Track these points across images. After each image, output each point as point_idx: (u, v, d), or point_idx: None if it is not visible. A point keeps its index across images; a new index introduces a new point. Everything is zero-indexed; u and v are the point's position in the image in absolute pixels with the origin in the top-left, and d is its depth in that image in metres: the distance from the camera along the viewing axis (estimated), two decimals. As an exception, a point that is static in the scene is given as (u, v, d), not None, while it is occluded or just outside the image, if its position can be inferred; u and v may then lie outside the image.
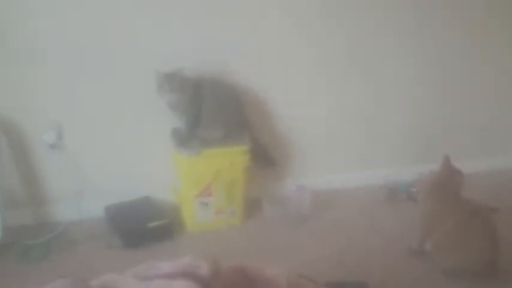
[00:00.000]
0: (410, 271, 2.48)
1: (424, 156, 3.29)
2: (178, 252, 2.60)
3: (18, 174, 2.86)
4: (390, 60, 3.21)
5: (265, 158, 3.04)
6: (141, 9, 2.78)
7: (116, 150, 2.93)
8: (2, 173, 2.64)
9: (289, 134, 3.18)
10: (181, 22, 2.84)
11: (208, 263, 2.06)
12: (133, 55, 2.81)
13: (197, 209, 2.84)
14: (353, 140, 3.31)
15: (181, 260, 2.11)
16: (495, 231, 2.34)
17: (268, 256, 2.61)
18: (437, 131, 3.43)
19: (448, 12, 3.20)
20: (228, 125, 2.80)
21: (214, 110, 2.76)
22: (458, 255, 2.36)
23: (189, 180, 2.80)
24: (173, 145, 2.79)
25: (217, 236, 2.83)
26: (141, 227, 2.75)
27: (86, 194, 2.91)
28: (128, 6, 2.76)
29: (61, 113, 2.83)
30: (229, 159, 2.78)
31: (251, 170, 2.88)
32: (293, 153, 3.22)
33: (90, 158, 2.91)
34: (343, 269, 2.50)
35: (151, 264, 2.19)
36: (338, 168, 3.32)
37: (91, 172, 2.92)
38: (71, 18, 2.70)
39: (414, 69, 3.27)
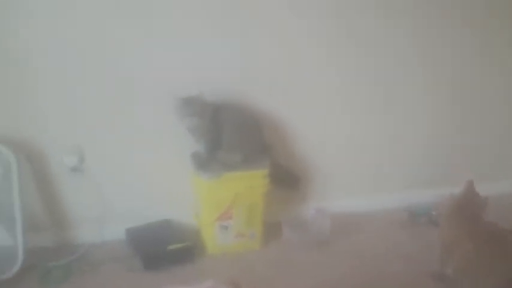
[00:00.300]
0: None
1: (444, 179, 3.27)
2: (198, 275, 2.62)
3: (39, 197, 2.90)
4: (411, 83, 3.21)
5: (289, 178, 3.05)
6: (162, 33, 2.81)
7: (137, 173, 2.95)
8: (23, 196, 2.67)
9: (309, 157, 3.18)
10: (201, 46, 2.86)
11: (230, 286, 2.07)
12: (154, 79, 2.84)
13: (217, 232, 2.85)
14: (373, 162, 3.30)
15: (204, 284, 2.12)
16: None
17: (288, 279, 2.62)
18: (457, 153, 3.41)
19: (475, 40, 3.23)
20: (248, 148, 2.81)
21: (234, 134, 2.77)
22: (479, 279, 2.34)
23: (209, 204, 2.81)
24: (193, 169, 2.81)
25: (237, 259, 2.83)
26: (162, 250, 2.76)
27: (107, 216, 2.93)
28: (149, 31, 2.79)
29: (82, 137, 2.85)
30: (249, 183, 2.79)
31: (271, 193, 2.88)
32: (313, 176, 3.22)
33: (111, 180, 2.93)
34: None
35: (175, 289, 2.22)
36: (358, 191, 3.32)
37: (112, 195, 2.93)
38: (92, 39, 2.74)
39: (435, 92, 3.26)
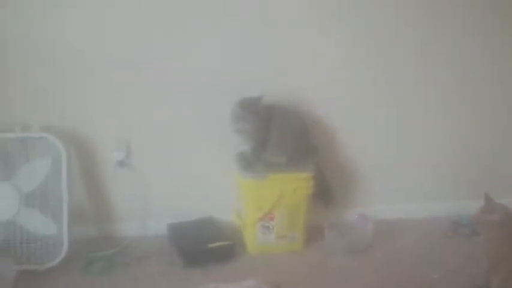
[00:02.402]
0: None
1: (491, 190, 3.21)
2: (238, 274, 2.60)
3: (86, 188, 2.96)
4: (463, 93, 3.19)
5: (324, 194, 3.03)
6: (213, 36, 2.85)
7: (182, 170, 2.99)
8: (71, 187, 2.71)
9: (353, 161, 3.17)
10: (252, 48, 2.89)
11: (270, 287, 2.08)
12: (201, 77, 2.87)
13: (259, 232, 2.85)
14: (418, 170, 3.26)
15: (245, 283, 2.13)
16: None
17: (328, 283, 2.60)
18: (504, 165, 3.35)
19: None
20: (293, 150, 2.81)
21: (281, 136, 2.78)
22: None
23: (252, 204, 2.82)
24: (238, 168, 2.82)
25: (277, 260, 2.82)
26: (202, 247, 2.77)
27: (151, 211, 2.97)
28: (203, 33, 2.84)
29: (130, 132, 2.91)
30: (293, 185, 2.79)
31: (313, 196, 2.88)
32: (356, 181, 3.21)
33: (156, 176, 2.97)
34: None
35: (217, 286, 2.23)
36: (402, 198, 3.27)
37: (156, 190, 2.97)
38: (141, 35, 2.79)
39: (476, 103, 3.23)
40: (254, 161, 2.79)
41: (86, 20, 2.70)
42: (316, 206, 2.96)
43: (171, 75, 2.85)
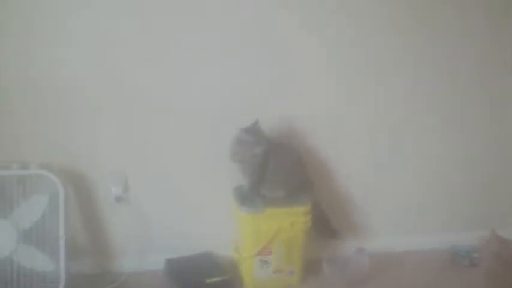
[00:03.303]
0: None
1: (487, 221, 3.23)
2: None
3: (83, 223, 2.93)
4: (454, 125, 3.21)
5: (326, 227, 3.03)
6: (209, 66, 2.86)
7: (180, 205, 2.98)
8: (67, 223, 2.71)
9: (350, 195, 3.18)
10: (248, 81, 2.91)
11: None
12: (198, 112, 2.87)
13: (256, 267, 2.84)
14: (415, 201, 3.28)
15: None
16: None
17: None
18: (502, 195, 3.37)
19: None
20: (291, 185, 2.81)
21: (278, 170, 2.77)
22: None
23: (250, 238, 2.82)
24: (236, 203, 2.83)
25: (275, 294, 2.82)
26: (200, 283, 2.76)
27: (149, 246, 2.96)
28: (196, 63, 2.84)
29: (127, 167, 2.90)
30: (290, 219, 2.79)
31: (311, 230, 2.88)
32: (354, 215, 3.21)
33: (154, 211, 2.96)
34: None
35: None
36: (399, 230, 3.28)
37: (154, 225, 2.97)
38: (137, 71, 2.79)
39: (478, 136, 3.26)
40: (251, 196, 2.79)
41: (82, 57, 2.71)
42: (314, 240, 2.96)
43: (168, 110, 2.85)
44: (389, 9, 2.91)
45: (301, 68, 2.93)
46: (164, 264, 2.94)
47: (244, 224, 2.82)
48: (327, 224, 3.03)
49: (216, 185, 2.95)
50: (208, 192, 2.97)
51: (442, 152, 3.24)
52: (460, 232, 3.29)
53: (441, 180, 3.28)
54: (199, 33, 2.77)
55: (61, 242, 2.67)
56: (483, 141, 3.27)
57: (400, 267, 3.09)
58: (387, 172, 3.21)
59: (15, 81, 2.69)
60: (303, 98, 2.98)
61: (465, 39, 3.05)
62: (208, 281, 2.77)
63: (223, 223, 2.94)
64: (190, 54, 2.80)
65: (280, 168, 2.78)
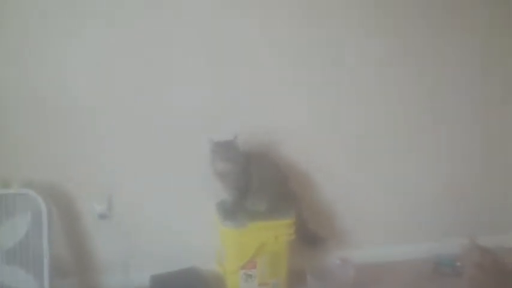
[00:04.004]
0: None
1: (469, 229, 3.26)
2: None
3: (67, 242, 2.93)
4: (435, 133, 3.26)
5: (310, 236, 3.04)
6: (194, 83, 2.89)
7: (163, 221, 2.98)
8: (51, 241, 2.70)
9: (333, 207, 3.20)
10: (232, 95, 2.95)
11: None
12: (183, 127, 2.90)
13: (241, 281, 2.85)
14: (398, 212, 3.31)
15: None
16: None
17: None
18: (482, 204, 3.41)
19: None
20: (273, 198, 2.82)
21: (261, 183, 2.79)
22: None
23: (234, 252, 2.82)
24: (219, 217, 2.83)
25: (260, 308, 2.82)
26: (185, 298, 2.77)
27: (133, 263, 2.96)
28: (182, 78, 2.87)
29: (110, 184, 2.90)
30: (274, 232, 2.81)
31: (295, 242, 2.89)
32: (337, 226, 3.23)
33: (138, 227, 2.97)
34: None
35: None
36: (383, 241, 3.31)
37: (138, 241, 2.97)
38: (121, 88, 2.82)
39: (457, 141, 3.31)
40: (235, 210, 2.80)
41: (62, 74, 2.73)
42: (298, 252, 2.97)
43: (150, 127, 2.87)
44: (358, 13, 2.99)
45: (278, 81, 2.98)
46: (149, 280, 2.93)
47: (228, 238, 2.83)
48: (309, 232, 3.04)
49: (199, 200, 2.96)
50: (191, 207, 2.98)
51: (424, 163, 3.29)
52: (442, 241, 3.31)
53: (424, 192, 3.32)
54: (173, 56, 2.83)
55: (45, 260, 2.67)
56: (464, 152, 3.33)
57: (384, 277, 3.10)
58: (371, 185, 3.24)
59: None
60: (281, 110, 3.02)
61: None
62: (193, 296, 2.77)
63: (207, 238, 2.95)
64: (166, 76, 2.85)
65: (262, 180, 2.80)
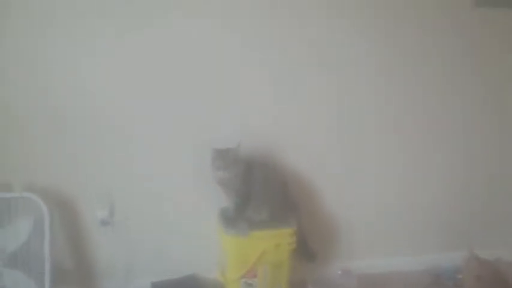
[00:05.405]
0: None
1: (472, 242, 3.25)
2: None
3: (68, 248, 2.93)
4: (436, 145, 3.26)
5: (305, 250, 3.02)
6: (194, 94, 2.90)
7: (165, 228, 2.98)
8: (53, 246, 2.70)
9: (335, 217, 3.20)
10: (233, 103, 2.95)
11: None
12: (184, 133, 2.91)
13: (242, 290, 2.85)
14: (398, 223, 3.30)
15: None
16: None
17: None
18: (483, 217, 3.41)
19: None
20: (275, 206, 2.82)
21: (262, 191, 2.79)
22: None
23: (235, 261, 2.82)
24: (221, 225, 2.84)
25: (260, 317, 2.81)
26: (186, 305, 2.77)
27: (134, 269, 2.97)
28: (180, 90, 2.88)
29: (113, 190, 2.90)
30: (276, 241, 2.80)
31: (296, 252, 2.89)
32: (338, 236, 3.23)
33: (140, 234, 2.97)
34: None
35: None
36: (385, 252, 3.31)
37: (140, 248, 2.97)
38: (123, 93, 2.82)
39: (459, 156, 3.31)
40: (236, 218, 2.80)
41: (65, 80, 2.74)
42: (300, 262, 2.96)
43: (153, 135, 2.88)
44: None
45: (277, 87, 2.99)
46: (150, 287, 2.93)
47: (230, 246, 2.82)
48: (305, 246, 3.02)
49: (201, 207, 2.97)
50: (193, 214, 2.99)
51: (424, 176, 3.29)
52: (445, 253, 3.31)
53: (425, 204, 3.32)
54: (173, 65, 2.84)
55: (46, 265, 2.66)
56: (464, 164, 3.33)
57: (386, 288, 3.10)
58: (372, 196, 3.25)
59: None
60: (281, 117, 3.02)
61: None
62: (193, 303, 2.77)
63: (209, 246, 2.95)
64: (165, 83, 2.86)
65: (265, 189, 2.80)
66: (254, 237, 2.77)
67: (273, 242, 2.80)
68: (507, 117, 3.32)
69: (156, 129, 2.88)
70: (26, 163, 2.79)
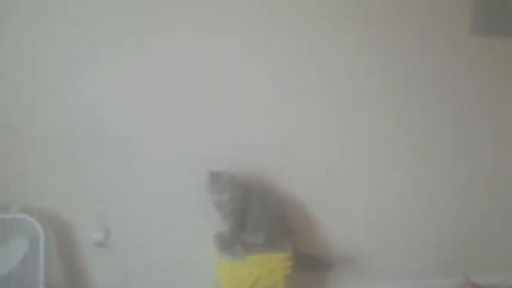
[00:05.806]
0: None
1: (468, 269, 3.25)
2: None
3: (63, 269, 2.91)
4: (439, 165, 3.28)
5: (316, 263, 3.04)
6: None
7: (161, 250, 2.97)
8: (47, 268, 2.69)
9: (332, 242, 3.19)
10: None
11: None
12: (180, 158, 2.92)
13: (237, 314, 2.83)
14: (396, 249, 3.30)
15: None
16: None
17: None
18: (483, 243, 3.41)
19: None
20: (271, 231, 2.82)
21: (259, 216, 2.79)
22: None
23: (231, 285, 2.80)
24: (216, 249, 2.83)
25: None
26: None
27: (130, 291, 2.95)
28: (178, 113, 2.90)
29: (108, 213, 2.90)
30: (271, 265, 2.79)
31: (292, 276, 2.87)
32: (336, 261, 3.20)
33: (135, 257, 2.96)
34: None
35: None
36: (380, 278, 3.29)
37: (135, 271, 2.96)
38: (117, 117, 2.84)
39: (466, 177, 3.33)
40: (232, 242, 2.79)
41: (61, 101, 2.76)
42: (295, 286, 2.95)
43: (149, 157, 2.89)
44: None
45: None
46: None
47: (225, 270, 2.81)
48: (314, 261, 3.03)
49: (198, 229, 2.96)
50: (189, 237, 2.98)
51: (423, 201, 3.30)
52: (439, 278, 3.30)
53: (422, 229, 3.32)
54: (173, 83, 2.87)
55: (41, 287, 2.65)
56: (456, 187, 3.34)
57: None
58: (369, 219, 3.24)
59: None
60: (283, 144, 3.04)
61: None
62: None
63: (205, 268, 2.93)
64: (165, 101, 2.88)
65: (261, 213, 2.80)
66: (249, 261, 2.77)
67: (268, 267, 2.79)
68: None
69: (155, 155, 2.90)
70: (22, 185, 2.79)
